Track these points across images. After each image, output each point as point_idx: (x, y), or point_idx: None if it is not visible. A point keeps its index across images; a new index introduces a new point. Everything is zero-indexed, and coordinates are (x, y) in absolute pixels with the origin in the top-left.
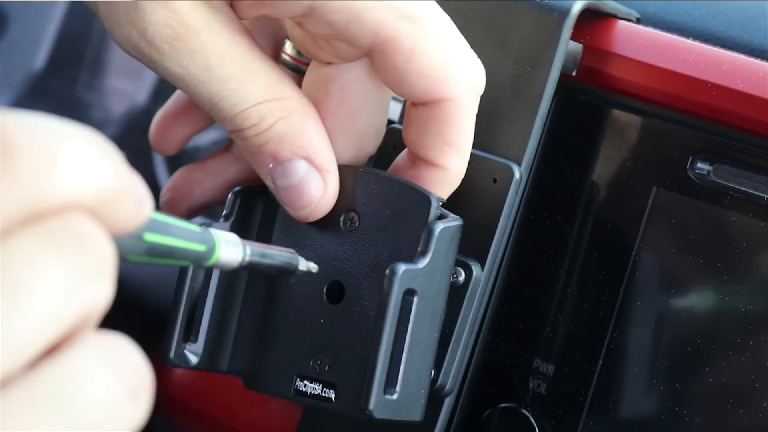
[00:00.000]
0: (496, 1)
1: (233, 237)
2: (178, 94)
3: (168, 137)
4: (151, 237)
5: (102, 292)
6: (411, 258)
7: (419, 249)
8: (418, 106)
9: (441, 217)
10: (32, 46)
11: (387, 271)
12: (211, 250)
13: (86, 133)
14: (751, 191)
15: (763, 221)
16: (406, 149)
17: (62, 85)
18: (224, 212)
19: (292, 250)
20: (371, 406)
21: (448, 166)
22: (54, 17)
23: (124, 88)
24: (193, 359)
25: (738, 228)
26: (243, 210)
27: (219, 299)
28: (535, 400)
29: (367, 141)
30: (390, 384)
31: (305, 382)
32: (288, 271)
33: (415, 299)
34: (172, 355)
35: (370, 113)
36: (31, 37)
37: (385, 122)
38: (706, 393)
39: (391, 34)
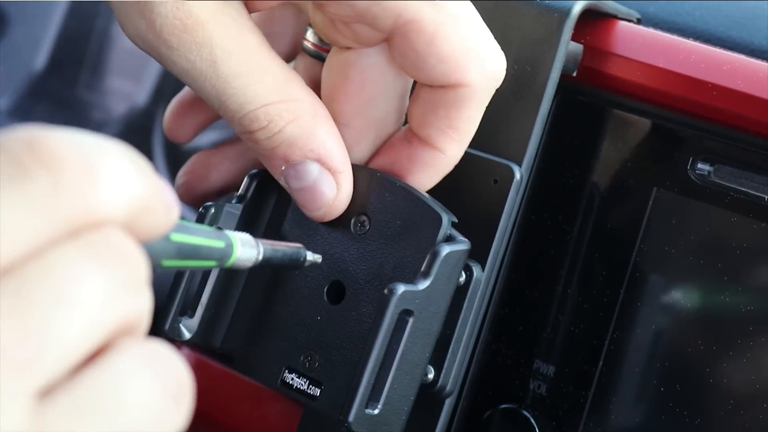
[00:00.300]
0: (497, 1)
1: (247, 237)
2: None
3: (182, 125)
4: (177, 237)
5: (140, 304)
6: (413, 273)
7: (422, 269)
8: (432, 86)
9: (450, 237)
10: (33, 47)
11: (385, 291)
12: (230, 247)
13: (119, 147)
14: (752, 192)
15: (763, 222)
16: (405, 126)
17: (63, 86)
18: (238, 193)
19: (299, 245)
20: (351, 418)
21: (445, 150)
22: (54, 18)
23: (124, 88)
24: (187, 334)
25: (738, 228)
26: (258, 193)
27: (221, 280)
28: (535, 401)
29: (386, 128)
30: (373, 399)
31: (293, 375)
32: (297, 264)
33: (411, 320)
34: (167, 327)
35: (389, 99)
36: (31, 38)
37: (405, 110)
38: (707, 394)
39: (414, 17)
